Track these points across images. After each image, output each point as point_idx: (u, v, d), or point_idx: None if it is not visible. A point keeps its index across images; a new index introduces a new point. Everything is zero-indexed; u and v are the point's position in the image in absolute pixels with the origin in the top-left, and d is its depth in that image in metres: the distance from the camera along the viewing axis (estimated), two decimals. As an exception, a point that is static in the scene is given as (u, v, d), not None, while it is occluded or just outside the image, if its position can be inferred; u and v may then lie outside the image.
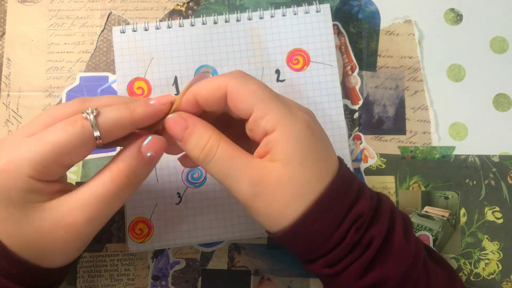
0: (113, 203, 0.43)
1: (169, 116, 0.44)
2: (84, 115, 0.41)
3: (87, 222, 0.42)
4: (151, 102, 0.44)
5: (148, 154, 0.43)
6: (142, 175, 0.45)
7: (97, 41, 0.64)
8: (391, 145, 0.63)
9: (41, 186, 0.41)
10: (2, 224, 0.40)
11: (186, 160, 0.50)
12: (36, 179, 0.40)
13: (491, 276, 0.61)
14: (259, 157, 0.43)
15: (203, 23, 0.61)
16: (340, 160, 0.46)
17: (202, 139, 0.43)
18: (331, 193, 0.42)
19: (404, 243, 0.44)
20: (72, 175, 0.61)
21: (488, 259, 0.61)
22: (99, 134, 0.41)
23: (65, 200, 0.42)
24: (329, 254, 0.43)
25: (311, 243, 0.43)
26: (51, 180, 0.42)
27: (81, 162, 0.61)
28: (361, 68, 0.64)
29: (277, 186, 0.41)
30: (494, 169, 0.62)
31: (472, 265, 0.61)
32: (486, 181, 0.62)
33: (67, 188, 0.43)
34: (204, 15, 0.62)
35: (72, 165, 0.44)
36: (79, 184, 0.58)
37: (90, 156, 0.60)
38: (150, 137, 0.43)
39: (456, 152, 0.63)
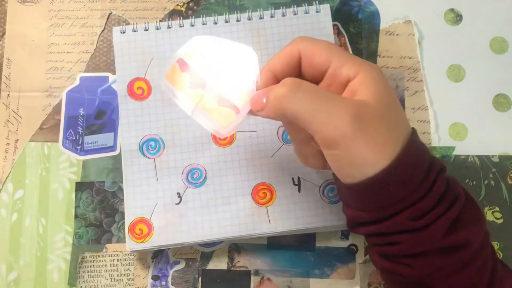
0: None
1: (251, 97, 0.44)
2: None
3: None
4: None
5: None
6: None
7: (97, 41, 0.64)
8: (391, 145, 0.63)
9: None
10: None
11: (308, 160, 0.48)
12: None
13: (491, 276, 0.61)
14: None
15: (203, 24, 0.61)
16: None
17: (286, 81, 0.42)
18: (416, 140, 0.42)
19: (481, 211, 0.44)
20: (72, 175, 0.61)
21: (488, 259, 0.61)
22: None
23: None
24: (417, 204, 0.41)
25: (404, 188, 0.40)
26: None
27: (81, 162, 0.61)
28: (361, 68, 0.64)
29: (375, 120, 0.39)
30: (493, 169, 0.62)
31: (472, 265, 0.61)
32: (486, 181, 0.62)
33: None
34: (204, 15, 0.62)
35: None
36: (79, 184, 0.58)
37: (90, 156, 0.61)
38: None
39: (456, 152, 0.63)
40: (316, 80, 0.44)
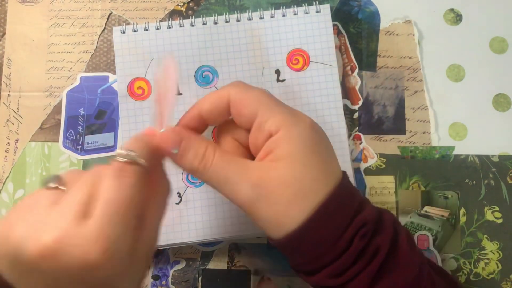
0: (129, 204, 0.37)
1: (161, 131, 0.42)
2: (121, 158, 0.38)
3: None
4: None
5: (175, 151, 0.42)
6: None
7: (98, 41, 0.64)
8: (390, 145, 0.63)
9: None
10: None
11: None
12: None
13: (491, 276, 0.61)
14: (259, 160, 0.43)
15: (203, 24, 0.61)
16: (343, 171, 0.45)
17: (200, 150, 0.42)
18: (335, 198, 0.41)
19: (409, 253, 0.43)
20: (73, 175, 0.61)
21: (488, 258, 0.61)
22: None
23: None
24: (334, 263, 0.41)
25: (316, 249, 0.41)
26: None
27: (81, 162, 0.61)
28: (361, 68, 0.64)
29: (279, 185, 0.40)
30: (493, 169, 0.62)
31: (472, 265, 0.61)
32: (486, 181, 0.62)
33: None
34: (204, 15, 0.62)
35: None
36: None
37: (90, 156, 0.61)
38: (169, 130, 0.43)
39: (455, 152, 0.63)
40: (247, 127, 0.44)
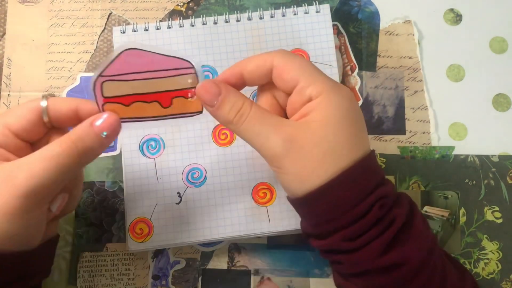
0: (58, 165, 0.40)
1: (199, 84, 0.44)
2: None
3: (29, 178, 0.40)
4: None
5: (104, 134, 0.42)
6: (92, 148, 0.42)
7: (98, 41, 0.64)
8: (390, 145, 0.63)
9: None
10: None
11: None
12: None
13: (491, 276, 0.61)
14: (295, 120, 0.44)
15: (203, 24, 0.61)
16: (372, 149, 0.46)
17: (237, 103, 0.44)
18: (362, 166, 0.42)
19: (423, 228, 0.44)
20: (73, 175, 0.61)
21: (488, 258, 0.61)
22: (44, 108, 0.44)
23: (13, 162, 0.41)
24: (351, 226, 0.42)
25: (335, 209, 0.42)
26: (4, 147, 0.44)
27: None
28: (360, 68, 0.64)
29: (310, 143, 0.42)
30: (493, 169, 0.62)
31: (472, 265, 0.61)
32: (486, 181, 0.62)
33: None
34: (204, 15, 0.62)
35: (29, 138, 0.45)
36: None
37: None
38: (105, 115, 0.43)
39: (455, 152, 0.63)
40: (286, 92, 0.46)
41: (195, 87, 0.45)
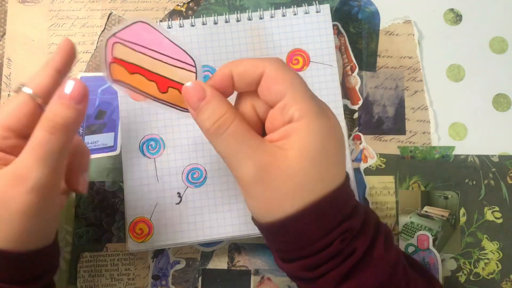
0: (50, 149, 0.41)
1: (188, 84, 0.43)
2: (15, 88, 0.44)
3: (31, 172, 0.40)
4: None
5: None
6: (71, 118, 0.42)
7: (98, 41, 0.64)
8: (390, 145, 0.63)
9: None
10: None
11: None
12: None
13: (491, 276, 0.61)
14: (269, 141, 0.42)
15: (203, 24, 0.61)
16: (346, 174, 0.45)
17: (217, 112, 0.42)
18: (330, 200, 0.41)
19: (383, 254, 0.43)
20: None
21: (488, 258, 0.61)
22: (32, 94, 0.44)
23: (14, 163, 0.41)
24: (310, 258, 0.42)
25: (298, 241, 0.42)
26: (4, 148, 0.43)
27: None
28: (360, 68, 0.64)
29: (283, 176, 0.40)
30: (493, 169, 0.62)
31: (472, 265, 0.61)
32: (486, 181, 0.62)
33: None
34: (204, 15, 0.62)
35: (20, 130, 0.44)
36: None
37: (90, 156, 0.61)
38: (67, 81, 0.42)
39: (455, 152, 0.63)
40: (269, 104, 0.43)
41: None
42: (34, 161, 0.40)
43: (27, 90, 0.44)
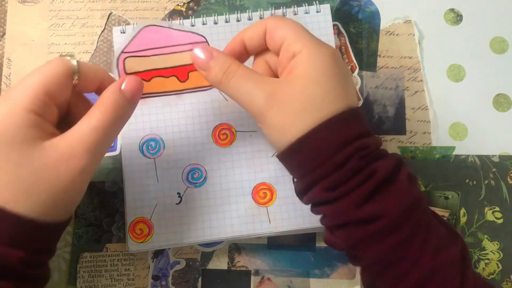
0: (105, 134, 0.43)
1: (195, 49, 0.49)
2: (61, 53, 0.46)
3: (87, 153, 0.42)
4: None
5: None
6: (126, 111, 0.46)
7: (98, 41, 0.64)
8: (391, 145, 0.63)
9: (40, 120, 0.41)
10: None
11: None
12: (34, 112, 0.41)
13: (491, 276, 0.61)
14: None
15: (204, 24, 0.61)
16: (359, 108, 0.47)
17: (225, 64, 0.47)
18: (341, 117, 0.44)
19: (407, 185, 0.44)
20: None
21: (488, 259, 0.61)
22: (75, 66, 0.44)
23: (63, 136, 0.42)
24: (331, 176, 0.44)
25: (315, 159, 0.44)
26: (47, 118, 0.43)
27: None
28: (361, 68, 0.64)
29: (289, 98, 0.45)
30: (494, 169, 0.62)
31: (472, 265, 0.61)
32: (486, 181, 0.62)
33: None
34: (204, 15, 0.62)
35: (60, 102, 0.44)
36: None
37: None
38: (127, 79, 0.46)
39: (456, 152, 0.63)
40: (276, 52, 0.49)
41: None
42: (89, 146, 0.42)
43: (74, 62, 0.44)
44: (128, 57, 0.50)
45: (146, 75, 0.50)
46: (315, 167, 0.44)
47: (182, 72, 0.51)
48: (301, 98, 0.44)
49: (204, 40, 0.52)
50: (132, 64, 0.50)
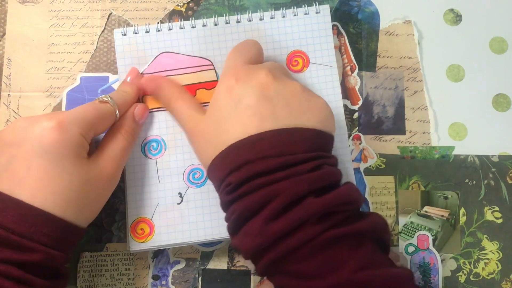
0: (127, 154, 0.55)
1: (143, 78, 0.59)
2: (101, 99, 0.54)
3: (117, 170, 0.53)
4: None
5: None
6: (137, 133, 0.58)
7: (98, 42, 0.64)
8: (390, 145, 0.63)
9: (85, 143, 0.50)
10: (51, 183, 0.46)
11: None
12: (83, 136, 0.49)
13: (491, 276, 0.61)
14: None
15: (204, 25, 0.61)
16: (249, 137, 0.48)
17: (167, 92, 0.57)
18: (222, 155, 0.48)
19: (264, 225, 0.44)
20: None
21: (488, 258, 0.61)
22: (117, 110, 0.55)
23: (100, 155, 0.52)
24: (222, 198, 0.49)
25: (216, 185, 0.50)
26: (88, 141, 0.51)
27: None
28: (360, 69, 0.64)
29: (198, 135, 0.53)
30: (493, 169, 0.63)
31: (472, 265, 0.61)
32: (486, 181, 0.62)
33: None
34: (205, 16, 0.62)
35: (98, 133, 0.54)
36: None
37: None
38: (138, 105, 0.58)
39: (455, 152, 0.63)
40: None
41: (214, 80, 0.60)
42: (118, 163, 0.53)
43: (116, 109, 0.55)
44: None
45: None
46: (218, 189, 0.50)
47: (190, 90, 0.59)
48: (203, 136, 0.52)
49: (210, 63, 0.60)
50: None
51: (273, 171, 0.45)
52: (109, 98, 0.54)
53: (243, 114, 0.47)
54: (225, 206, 0.48)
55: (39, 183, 0.46)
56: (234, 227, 0.47)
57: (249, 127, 0.47)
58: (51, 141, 0.47)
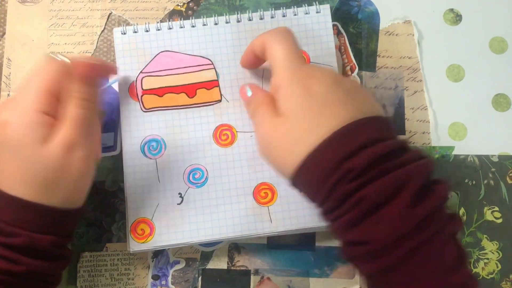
0: (91, 122, 0.51)
1: (246, 86, 0.55)
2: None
3: (81, 137, 0.49)
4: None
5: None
6: (93, 94, 0.52)
7: (97, 41, 0.64)
8: (390, 145, 0.63)
9: (47, 118, 0.48)
10: (18, 173, 0.47)
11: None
12: (42, 111, 0.47)
13: (491, 276, 0.61)
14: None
15: (204, 24, 0.61)
16: (353, 123, 0.45)
17: (254, 102, 0.52)
18: (322, 148, 0.45)
19: (403, 210, 0.42)
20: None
21: (488, 258, 0.61)
22: (68, 60, 0.51)
23: (60, 130, 0.48)
24: (324, 205, 0.46)
25: (310, 191, 0.47)
26: (53, 114, 0.48)
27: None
28: (360, 69, 0.64)
29: (277, 139, 0.48)
30: (493, 169, 0.63)
31: (472, 265, 0.61)
32: (485, 181, 0.62)
33: None
34: (205, 15, 0.62)
35: (57, 93, 0.49)
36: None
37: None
38: (81, 63, 0.52)
39: (455, 152, 0.63)
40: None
41: (214, 80, 0.60)
42: (78, 133, 0.48)
43: (66, 60, 0.51)
44: (145, 76, 0.60)
45: (160, 91, 0.60)
46: (313, 197, 0.47)
47: (190, 89, 0.60)
48: (285, 138, 0.47)
49: (210, 62, 0.60)
50: (148, 82, 0.60)
51: (394, 155, 0.44)
52: (63, 56, 0.52)
53: (335, 108, 0.46)
54: (344, 196, 0.43)
55: (10, 174, 0.47)
56: (360, 216, 0.43)
57: (350, 112, 0.46)
58: (7, 134, 0.47)
